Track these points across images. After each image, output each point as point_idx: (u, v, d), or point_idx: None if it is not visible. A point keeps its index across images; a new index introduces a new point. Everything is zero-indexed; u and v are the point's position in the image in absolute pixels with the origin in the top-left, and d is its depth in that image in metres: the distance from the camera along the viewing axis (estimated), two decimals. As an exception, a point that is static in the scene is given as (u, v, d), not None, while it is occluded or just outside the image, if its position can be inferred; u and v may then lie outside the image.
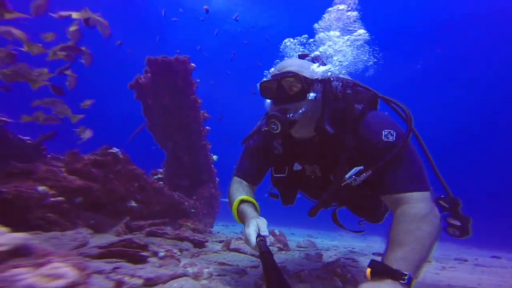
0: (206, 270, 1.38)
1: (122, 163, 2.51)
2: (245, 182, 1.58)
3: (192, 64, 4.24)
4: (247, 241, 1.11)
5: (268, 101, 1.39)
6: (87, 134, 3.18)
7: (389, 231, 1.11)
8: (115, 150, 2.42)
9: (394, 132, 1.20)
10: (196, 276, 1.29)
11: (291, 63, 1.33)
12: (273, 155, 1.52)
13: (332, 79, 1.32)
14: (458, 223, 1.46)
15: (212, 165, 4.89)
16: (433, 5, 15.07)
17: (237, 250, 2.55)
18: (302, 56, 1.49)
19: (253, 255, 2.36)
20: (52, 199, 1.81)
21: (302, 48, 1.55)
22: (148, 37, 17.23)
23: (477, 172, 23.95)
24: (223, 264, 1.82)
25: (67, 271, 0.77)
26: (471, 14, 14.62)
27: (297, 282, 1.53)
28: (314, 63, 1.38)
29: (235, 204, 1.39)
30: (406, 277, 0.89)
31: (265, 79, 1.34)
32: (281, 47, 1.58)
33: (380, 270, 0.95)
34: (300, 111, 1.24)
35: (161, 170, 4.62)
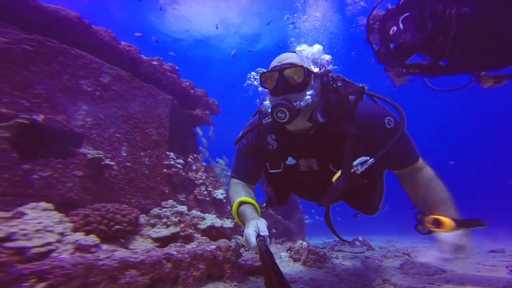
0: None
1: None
2: (243, 182, 1.60)
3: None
4: (246, 241, 1.09)
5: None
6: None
7: (419, 194, 1.39)
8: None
9: (392, 119, 1.32)
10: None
11: (291, 56, 1.35)
12: (268, 151, 1.51)
13: (329, 72, 1.38)
14: None
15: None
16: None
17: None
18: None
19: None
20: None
21: None
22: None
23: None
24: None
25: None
26: None
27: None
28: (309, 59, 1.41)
29: (235, 206, 1.41)
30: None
31: (265, 70, 1.33)
32: None
33: (460, 223, 1.26)
34: (304, 100, 1.25)
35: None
